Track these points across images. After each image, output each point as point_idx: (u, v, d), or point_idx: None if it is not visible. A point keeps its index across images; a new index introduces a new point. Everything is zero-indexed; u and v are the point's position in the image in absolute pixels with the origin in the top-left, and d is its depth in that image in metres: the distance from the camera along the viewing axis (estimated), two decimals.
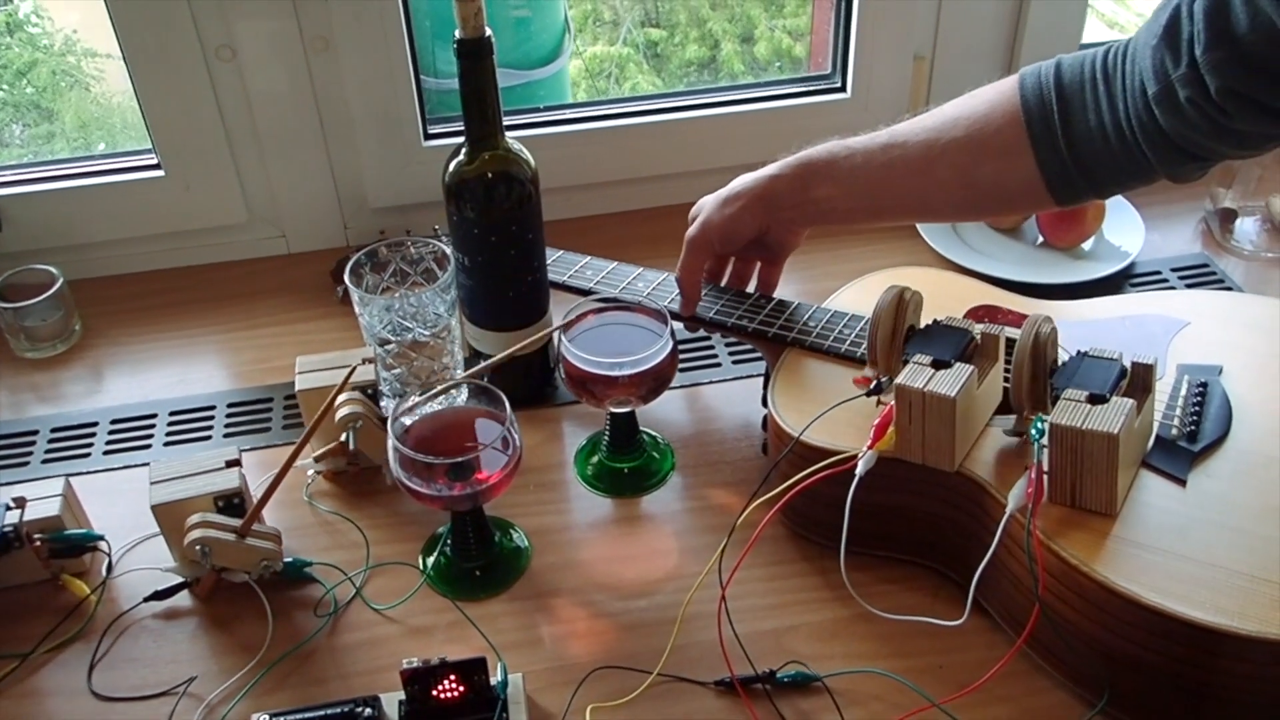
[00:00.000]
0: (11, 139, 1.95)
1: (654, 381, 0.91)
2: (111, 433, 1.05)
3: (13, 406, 1.10)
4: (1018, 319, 0.95)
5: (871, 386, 0.82)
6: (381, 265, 1.00)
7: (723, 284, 1.06)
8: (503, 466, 0.83)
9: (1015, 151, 0.89)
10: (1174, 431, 0.81)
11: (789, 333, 0.96)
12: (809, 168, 0.96)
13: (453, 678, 0.75)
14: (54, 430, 1.06)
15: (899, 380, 0.78)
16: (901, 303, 0.84)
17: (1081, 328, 0.93)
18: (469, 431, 0.87)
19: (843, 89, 1.30)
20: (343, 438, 0.92)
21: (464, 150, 0.93)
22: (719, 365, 1.10)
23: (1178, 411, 0.83)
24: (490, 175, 0.93)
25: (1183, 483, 0.78)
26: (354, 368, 0.91)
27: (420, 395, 0.87)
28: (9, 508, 0.87)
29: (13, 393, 1.12)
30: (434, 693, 0.75)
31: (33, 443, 1.05)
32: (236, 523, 0.84)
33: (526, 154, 0.94)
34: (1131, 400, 0.74)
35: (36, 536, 0.87)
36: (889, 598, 0.85)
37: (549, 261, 1.04)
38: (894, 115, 1.30)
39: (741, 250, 1.02)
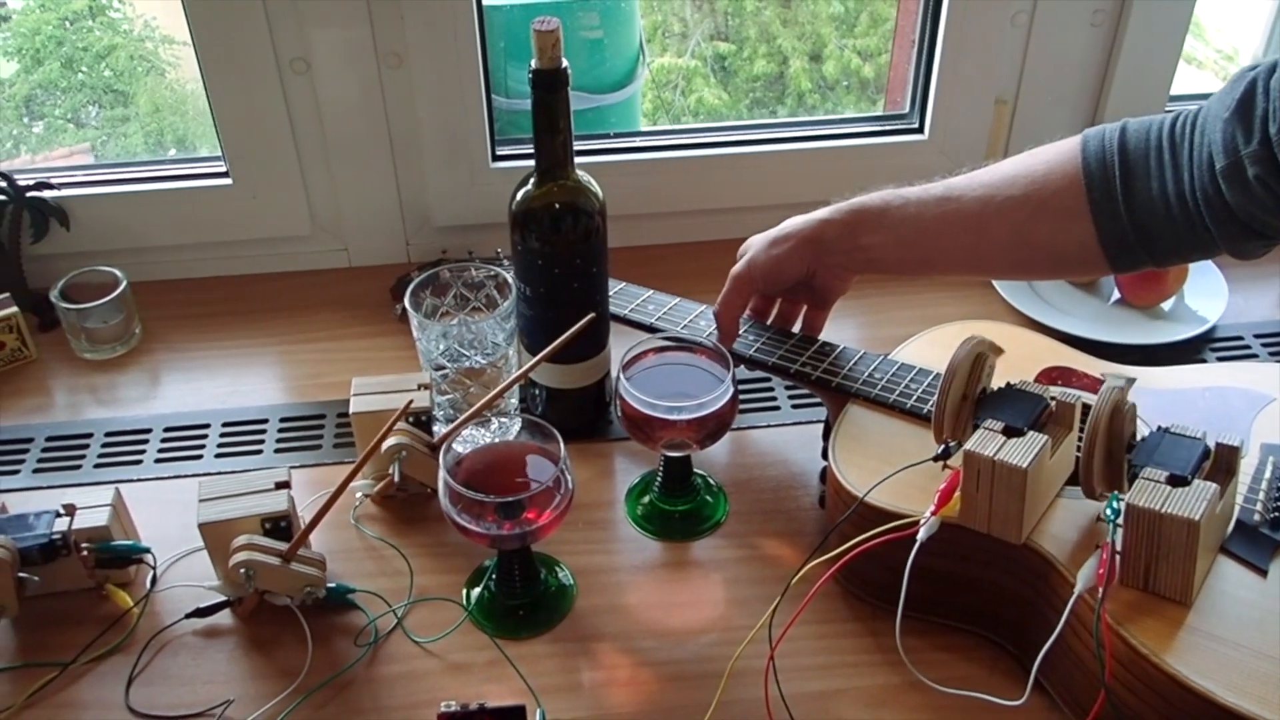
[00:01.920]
0: (88, 119, 1.98)
1: (713, 426, 0.89)
2: (164, 440, 1.05)
3: (70, 407, 1.10)
4: (1093, 384, 0.92)
5: (940, 450, 0.79)
6: (442, 288, 0.99)
7: (768, 323, 1.04)
8: (554, 507, 0.81)
9: (1073, 215, 0.86)
10: (1256, 517, 0.77)
11: (853, 384, 0.93)
12: (860, 215, 0.94)
13: None
14: (108, 434, 1.06)
15: (968, 446, 0.75)
16: (976, 364, 0.81)
17: (1159, 397, 0.90)
18: (521, 468, 0.85)
19: (920, 130, 1.27)
20: (390, 471, 0.91)
21: (532, 179, 0.91)
22: (778, 409, 1.07)
23: (1260, 495, 0.79)
24: (557, 206, 0.91)
25: (1264, 573, 0.74)
26: (410, 401, 0.89)
27: (463, 421, 0.86)
28: (59, 515, 0.87)
29: (71, 393, 1.12)
30: None
31: (87, 445, 1.05)
32: (282, 546, 0.84)
33: (595, 186, 0.92)
34: (1215, 485, 0.71)
35: (84, 546, 0.86)
36: (943, 667, 0.82)
37: (611, 293, 1.02)
38: (972, 159, 1.28)
39: (788, 292, 1.01)
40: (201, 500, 0.85)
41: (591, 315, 0.90)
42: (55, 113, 1.93)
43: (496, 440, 0.90)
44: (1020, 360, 0.94)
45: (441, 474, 0.80)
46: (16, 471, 1.02)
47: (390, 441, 0.90)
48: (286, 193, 1.22)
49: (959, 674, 0.82)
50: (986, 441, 0.75)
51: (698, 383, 0.91)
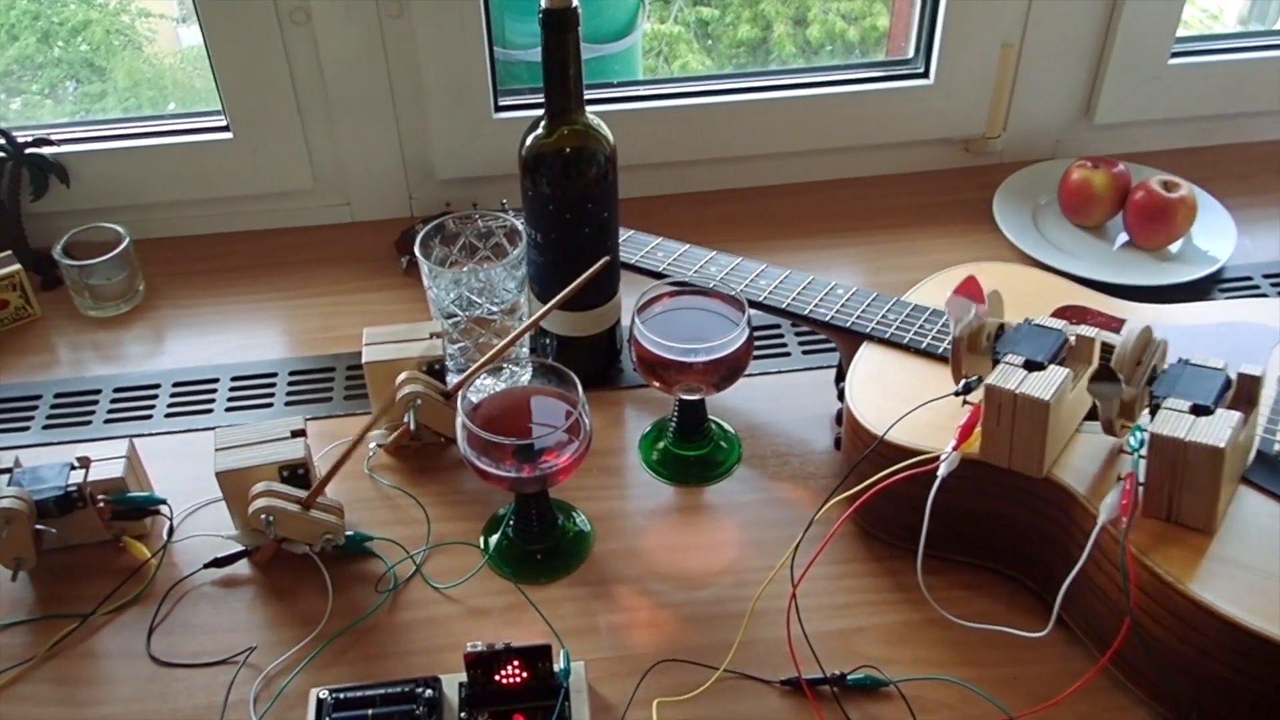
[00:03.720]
0: (65, 95, 1.95)
1: (728, 369, 0.89)
2: (173, 395, 1.05)
3: (74, 364, 1.09)
4: (1108, 321, 0.92)
5: (961, 385, 0.79)
6: (451, 237, 0.99)
7: None
8: (572, 450, 0.81)
9: None
10: (1277, 447, 0.77)
11: (867, 325, 0.93)
12: None
13: (516, 663, 0.73)
14: (116, 390, 1.05)
15: (989, 380, 0.75)
16: (994, 300, 0.81)
17: (1175, 333, 0.89)
18: (538, 412, 0.85)
19: (925, 75, 1.26)
20: (405, 419, 0.90)
21: (543, 123, 0.91)
22: (789, 355, 1.07)
23: None
24: (568, 150, 0.91)
25: None
26: (424, 355, 0.89)
27: (480, 365, 0.86)
28: (73, 467, 0.86)
29: (75, 350, 1.11)
30: (496, 677, 0.74)
31: (95, 402, 1.04)
32: (301, 493, 0.83)
33: (605, 130, 0.92)
34: (1239, 413, 0.71)
35: (100, 497, 0.86)
36: (963, 604, 0.82)
37: (619, 241, 1.01)
38: (978, 104, 1.28)
39: None
40: (218, 449, 0.85)
41: (605, 259, 0.89)
42: (32, 88, 1.90)
43: (513, 386, 0.89)
44: (1033, 300, 0.94)
45: (460, 419, 0.80)
46: (26, 428, 1.01)
47: (405, 390, 0.90)
48: (288, 147, 1.20)
49: (978, 610, 0.82)
50: (1008, 375, 0.75)
51: (712, 326, 0.90)
